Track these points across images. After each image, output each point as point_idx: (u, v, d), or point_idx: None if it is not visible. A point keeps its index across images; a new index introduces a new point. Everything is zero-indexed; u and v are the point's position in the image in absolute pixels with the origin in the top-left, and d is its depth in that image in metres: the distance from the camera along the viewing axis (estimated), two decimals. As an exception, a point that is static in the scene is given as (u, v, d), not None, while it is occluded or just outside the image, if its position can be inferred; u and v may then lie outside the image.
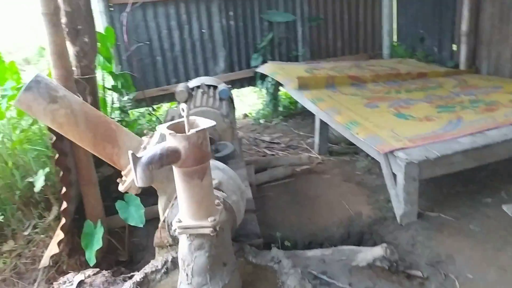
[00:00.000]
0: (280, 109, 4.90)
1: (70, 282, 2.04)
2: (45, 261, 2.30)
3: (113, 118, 3.69)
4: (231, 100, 3.17)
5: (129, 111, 4.50)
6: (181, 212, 1.55)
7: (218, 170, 1.89)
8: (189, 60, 4.88)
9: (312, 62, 4.90)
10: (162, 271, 1.87)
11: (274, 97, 4.82)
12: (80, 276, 2.06)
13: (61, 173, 2.18)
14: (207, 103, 2.79)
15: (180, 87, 2.97)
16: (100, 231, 2.24)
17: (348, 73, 4.09)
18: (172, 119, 2.81)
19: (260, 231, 2.17)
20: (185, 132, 1.46)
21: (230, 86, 3.13)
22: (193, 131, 1.43)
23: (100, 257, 2.46)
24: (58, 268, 2.49)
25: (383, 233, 2.60)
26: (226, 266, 1.62)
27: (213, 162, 1.92)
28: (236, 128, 2.95)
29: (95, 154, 1.79)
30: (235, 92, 6.06)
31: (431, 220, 2.54)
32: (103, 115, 1.78)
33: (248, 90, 5.58)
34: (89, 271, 2.10)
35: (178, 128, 1.50)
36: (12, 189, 2.76)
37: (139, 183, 1.37)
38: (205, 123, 1.49)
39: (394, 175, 2.55)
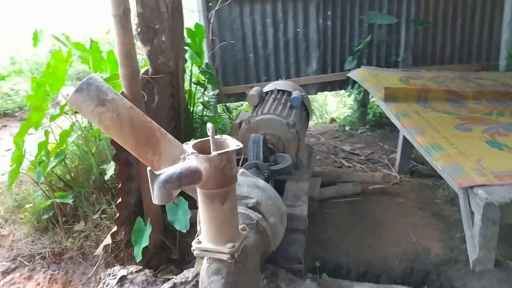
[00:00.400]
0: (369, 117, 4.61)
1: (114, 275, 2.12)
2: (99, 249, 2.43)
3: (194, 113, 3.79)
4: (304, 108, 3.04)
5: (218, 106, 4.61)
6: (202, 233, 1.49)
7: (257, 189, 1.81)
8: (281, 59, 4.81)
9: (411, 69, 4.51)
10: (192, 283, 1.84)
11: (362, 104, 4.54)
12: (123, 271, 2.13)
13: (118, 168, 2.27)
14: (275, 111, 2.69)
15: (253, 91, 2.91)
16: (148, 230, 2.29)
17: (447, 87, 3.67)
18: (240, 123, 2.78)
19: (302, 256, 2.04)
20: (210, 153, 1.39)
21: (304, 93, 2.99)
22: (215, 153, 1.36)
23: (153, 252, 2.53)
24: (116, 255, 2.62)
25: (452, 277, 2.30)
26: (246, 294, 1.54)
27: (253, 180, 1.84)
28: (303, 139, 2.81)
29: (138, 158, 1.81)
30: (322, 96, 5.86)
31: (510, 272, 2.18)
32: (150, 121, 1.79)
33: (338, 94, 5.35)
34: (133, 268, 2.16)
35: (204, 147, 1.44)
36: (89, 174, 2.97)
37: (155, 201, 1.34)
38: (233, 144, 1.41)
39: (472, 214, 2.23)
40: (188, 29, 3.81)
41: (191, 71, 3.87)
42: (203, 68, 4.10)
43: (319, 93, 5.09)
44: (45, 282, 2.67)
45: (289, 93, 3.00)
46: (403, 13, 4.79)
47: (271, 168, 2.29)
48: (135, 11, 2.29)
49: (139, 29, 2.33)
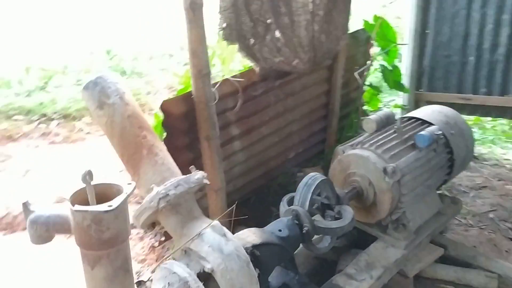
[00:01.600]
0: None
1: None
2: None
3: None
4: (445, 152, 2.20)
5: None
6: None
7: (219, 254, 1.42)
8: (512, 69, 3.62)
9: None
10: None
11: None
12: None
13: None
14: (379, 147, 2.04)
15: (376, 115, 2.28)
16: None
17: None
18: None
19: None
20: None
21: (440, 132, 2.14)
22: (79, 207, 1.11)
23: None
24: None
25: None
26: None
27: (220, 242, 1.44)
28: (407, 193, 2.05)
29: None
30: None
31: None
32: (144, 136, 1.60)
33: None
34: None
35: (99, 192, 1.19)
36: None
37: (30, 240, 1.21)
38: (116, 200, 1.13)
39: None
40: (366, 22, 3.25)
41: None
42: (383, 68, 3.47)
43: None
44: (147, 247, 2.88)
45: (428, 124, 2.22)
46: None
47: (316, 223, 1.77)
48: (220, 4, 2.04)
49: (224, 25, 2.08)
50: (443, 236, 2.44)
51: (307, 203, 1.80)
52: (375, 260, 2.01)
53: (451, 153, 2.22)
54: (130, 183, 1.21)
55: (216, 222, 1.50)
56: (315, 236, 1.83)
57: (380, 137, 2.14)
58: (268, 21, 2.26)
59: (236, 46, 2.19)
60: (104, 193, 1.18)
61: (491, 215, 2.77)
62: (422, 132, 2.08)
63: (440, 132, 2.15)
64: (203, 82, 2.02)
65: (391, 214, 2.08)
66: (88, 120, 5.37)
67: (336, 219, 1.85)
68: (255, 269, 1.59)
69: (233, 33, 2.13)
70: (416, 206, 2.16)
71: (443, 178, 2.29)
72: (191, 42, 1.95)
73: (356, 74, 3.17)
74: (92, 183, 1.13)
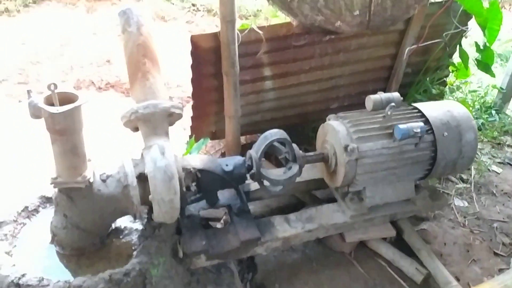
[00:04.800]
0: None
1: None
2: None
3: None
4: (429, 151, 2.23)
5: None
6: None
7: (152, 165, 1.92)
8: None
9: None
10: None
11: None
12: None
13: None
14: (356, 126, 2.21)
15: (378, 95, 2.37)
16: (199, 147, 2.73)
17: None
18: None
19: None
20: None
21: (426, 130, 2.17)
22: (41, 105, 1.72)
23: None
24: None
25: None
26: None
27: (156, 157, 1.95)
28: (363, 174, 2.21)
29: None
30: None
31: None
32: (144, 62, 2.09)
33: None
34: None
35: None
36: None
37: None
38: (64, 107, 1.71)
39: None
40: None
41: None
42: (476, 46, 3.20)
43: None
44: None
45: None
46: None
47: (262, 170, 2.16)
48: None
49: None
50: (419, 222, 2.55)
51: (260, 151, 2.16)
52: (318, 216, 2.32)
53: (434, 152, 2.24)
54: (85, 99, 1.77)
55: (162, 142, 2.00)
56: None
57: (366, 117, 2.29)
58: (309, -19, 2.41)
59: (268, 1, 2.42)
60: (71, 99, 1.77)
61: (495, 224, 2.68)
62: (400, 125, 2.16)
63: (427, 129, 2.19)
64: (226, 27, 2.39)
65: (349, 186, 2.30)
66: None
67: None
68: (193, 186, 2.12)
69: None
70: (380, 187, 2.33)
71: (422, 173, 2.34)
72: (219, -10, 2.30)
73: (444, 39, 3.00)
74: (58, 91, 1.73)
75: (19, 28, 5.54)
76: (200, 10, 6.13)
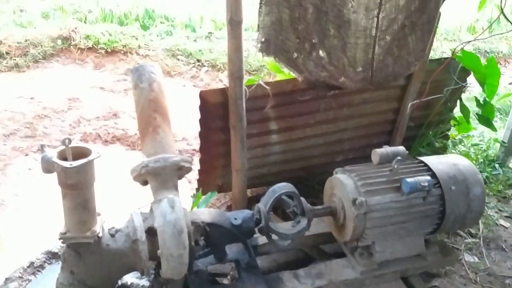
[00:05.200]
0: None
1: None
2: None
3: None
4: (438, 205, 2.23)
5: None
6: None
7: (162, 219, 1.92)
8: None
9: None
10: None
11: None
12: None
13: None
14: (360, 178, 2.23)
15: (384, 149, 2.40)
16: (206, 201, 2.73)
17: None
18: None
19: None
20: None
21: (434, 183, 2.17)
22: (55, 159, 1.74)
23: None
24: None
25: None
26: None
27: (167, 210, 1.95)
28: (372, 228, 2.19)
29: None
30: None
31: None
32: (154, 117, 2.14)
33: None
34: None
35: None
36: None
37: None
38: (77, 162, 1.73)
39: None
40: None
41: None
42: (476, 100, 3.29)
43: None
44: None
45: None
46: None
47: (271, 224, 2.15)
48: (259, 23, 2.38)
49: (263, 39, 2.43)
50: (430, 279, 2.50)
51: (269, 205, 2.17)
52: (327, 272, 2.28)
53: (443, 207, 2.24)
54: (98, 153, 1.79)
55: (171, 196, 2.01)
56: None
57: (373, 170, 2.30)
58: (314, 40, 2.52)
59: (274, 59, 2.52)
60: (85, 153, 1.80)
61: (507, 281, 2.63)
62: (408, 179, 2.17)
63: (434, 183, 2.20)
64: (234, 83, 2.47)
65: (358, 241, 2.28)
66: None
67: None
68: (201, 240, 2.10)
69: (271, 47, 2.46)
70: (390, 242, 2.30)
71: (432, 228, 2.33)
72: (229, 50, 2.39)
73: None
74: (72, 145, 1.76)
75: (28, 83, 5.68)
76: (205, 66, 6.32)
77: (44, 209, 3.35)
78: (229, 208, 3.08)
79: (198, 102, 2.58)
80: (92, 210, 1.86)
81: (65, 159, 1.75)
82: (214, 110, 2.62)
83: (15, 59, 6.02)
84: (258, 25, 2.38)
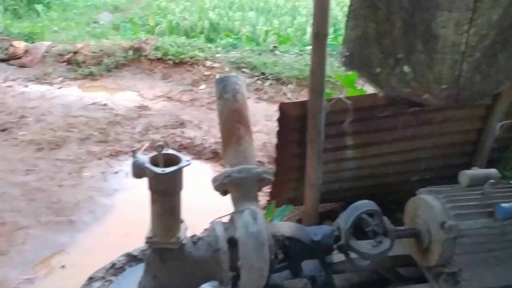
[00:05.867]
0: None
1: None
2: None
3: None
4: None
5: None
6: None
7: (244, 230, 1.91)
8: None
9: None
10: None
11: None
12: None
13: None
14: (448, 200, 2.11)
15: (474, 170, 2.27)
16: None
17: None
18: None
19: None
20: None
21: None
22: (148, 165, 1.78)
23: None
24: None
25: None
26: None
27: (249, 221, 1.93)
28: (462, 254, 2.06)
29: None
30: None
31: None
32: (237, 128, 2.13)
33: None
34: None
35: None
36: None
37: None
38: (168, 169, 1.76)
39: None
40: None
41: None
42: None
43: None
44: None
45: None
46: None
47: (351, 242, 2.09)
48: (344, 37, 2.34)
49: (347, 53, 2.38)
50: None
51: (350, 222, 2.10)
52: None
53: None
54: (188, 161, 1.81)
55: (254, 208, 1.99)
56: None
57: (463, 193, 2.18)
58: (399, 55, 2.44)
59: (356, 73, 2.47)
60: (174, 160, 1.82)
61: None
62: (503, 204, 2.03)
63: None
64: (315, 97, 2.44)
65: (443, 267, 2.16)
66: (292, 87, 6.17)
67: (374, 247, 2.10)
68: (280, 253, 2.07)
69: (354, 61, 2.41)
70: (479, 270, 2.16)
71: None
72: (312, 64, 2.37)
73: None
74: (164, 151, 1.79)
75: (101, 90, 5.96)
76: (269, 79, 6.36)
77: (116, 212, 3.46)
78: (298, 222, 3.03)
79: (277, 114, 2.57)
80: (178, 217, 1.88)
81: (156, 165, 1.78)
82: (292, 123, 2.60)
83: (89, 68, 6.34)
84: (343, 39, 2.34)
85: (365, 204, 2.12)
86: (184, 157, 1.82)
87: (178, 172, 1.78)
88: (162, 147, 1.77)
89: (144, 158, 1.82)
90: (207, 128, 4.91)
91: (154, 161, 1.80)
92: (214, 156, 4.36)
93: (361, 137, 2.81)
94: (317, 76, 2.39)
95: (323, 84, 2.41)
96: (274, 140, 4.43)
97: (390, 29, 2.37)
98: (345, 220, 2.12)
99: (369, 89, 3.79)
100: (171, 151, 1.84)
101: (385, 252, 2.06)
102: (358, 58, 2.42)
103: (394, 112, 2.77)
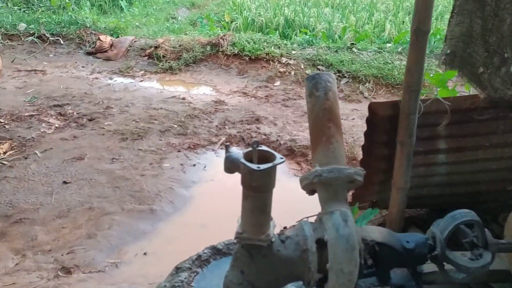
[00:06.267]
0: None
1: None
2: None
3: None
4: None
5: None
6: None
7: (334, 232, 1.85)
8: None
9: None
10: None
11: None
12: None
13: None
14: None
15: None
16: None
17: None
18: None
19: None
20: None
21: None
22: (243, 161, 1.77)
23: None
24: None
25: None
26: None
27: (340, 224, 1.88)
28: None
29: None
30: None
31: None
32: (329, 127, 2.08)
33: None
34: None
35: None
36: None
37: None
38: (264, 165, 1.75)
39: None
40: None
41: None
42: None
43: None
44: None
45: None
46: None
47: (447, 253, 1.96)
48: (447, 34, 2.19)
49: (448, 51, 2.24)
50: None
51: (446, 232, 1.97)
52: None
53: None
54: (282, 158, 1.78)
55: (344, 209, 1.93)
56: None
57: None
58: (506, 55, 2.26)
59: (456, 72, 2.31)
60: (268, 157, 1.80)
61: None
62: None
63: None
64: (409, 96, 2.31)
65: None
66: (370, 85, 5.99)
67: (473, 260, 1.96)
68: (368, 259, 1.99)
69: (456, 60, 2.26)
70: None
71: None
72: (409, 61, 2.25)
73: None
74: (259, 148, 1.77)
75: (179, 84, 6.13)
76: (345, 77, 6.21)
77: (195, 204, 3.53)
78: (381, 226, 2.92)
79: (366, 114, 2.47)
80: (268, 214, 1.86)
81: (250, 161, 1.77)
82: (382, 124, 2.49)
83: (169, 62, 6.55)
84: (446, 36, 2.20)
85: (465, 214, 1.97)
86: (278, 155, 1.79)
87: (273, 169, 1.76)
88: (257, 143, 1.76)
89: (238, 153, 1.82)
90: (282, 125, 4.88)
91: (248, 157, 1.79)
92: (290, 153, 4.32)
93: (456, 141, 2.64)
94: (413, 75, 2.26)
95: (420, 83, 2.28)
96: (350, 139, 4.36)
97: (498, 26, 2.19)
98: (441, 229, 1.99)
99: (460, 89, 3.58)
100: (264, 148, 1.82)
101: (486, 266, 1.92)
102: (460, 57, 2.27)
103: (495, 116, 2.57)
